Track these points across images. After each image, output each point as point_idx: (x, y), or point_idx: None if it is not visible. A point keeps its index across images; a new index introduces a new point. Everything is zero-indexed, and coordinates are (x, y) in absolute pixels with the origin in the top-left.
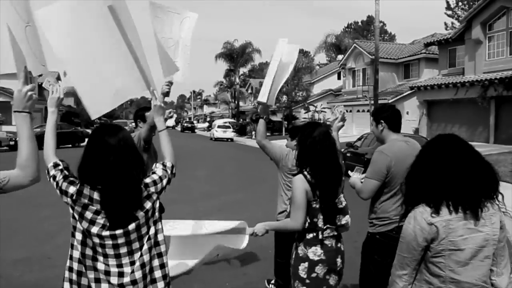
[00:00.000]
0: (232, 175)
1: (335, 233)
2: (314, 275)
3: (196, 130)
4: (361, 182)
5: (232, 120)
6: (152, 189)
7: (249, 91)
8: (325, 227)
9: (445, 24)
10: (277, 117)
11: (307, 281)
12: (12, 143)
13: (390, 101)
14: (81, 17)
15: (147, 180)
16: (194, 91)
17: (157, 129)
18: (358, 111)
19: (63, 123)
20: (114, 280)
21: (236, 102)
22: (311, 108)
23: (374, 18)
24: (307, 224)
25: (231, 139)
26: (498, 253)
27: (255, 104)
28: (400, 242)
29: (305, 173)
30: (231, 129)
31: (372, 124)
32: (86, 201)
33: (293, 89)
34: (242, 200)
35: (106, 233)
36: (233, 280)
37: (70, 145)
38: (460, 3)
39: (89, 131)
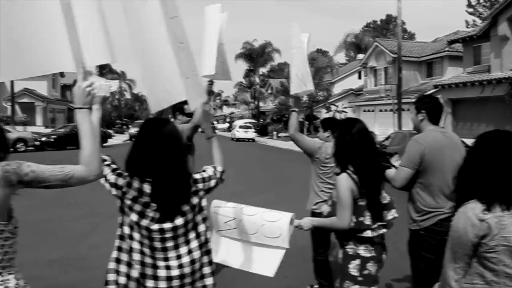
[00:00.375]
0: (258, 175)
1: (385, 230)
2: (366, 272)
3: (216, 131)
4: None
5: (253, 121)
6: (200, 185)
7: (269, 91)
8: (374, 225)
9: (466, 22)
10: (298, 117)
11: (360, 278)
12: (37, 143)
13: (413, 100)
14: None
15: (197, 176)
16: (213, 92)
17: (206, 136)
18: (381, 110)
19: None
20: (161, 273)
21: (256, 102)
22: (332, 108)
23: (397, 15)
24: (353, 223)
25: (253, 140)
26: None
27: (276, 104)
28: (451, 237)
29: (349, 171)
30: (253, 129)
31: (412, 112)
32: (135, 193)
33: (315, 89)
34: (272, 200)
35: (154, 226)
36: (274, 282)
37: None
38: (481, 0)
39: (111, 131)
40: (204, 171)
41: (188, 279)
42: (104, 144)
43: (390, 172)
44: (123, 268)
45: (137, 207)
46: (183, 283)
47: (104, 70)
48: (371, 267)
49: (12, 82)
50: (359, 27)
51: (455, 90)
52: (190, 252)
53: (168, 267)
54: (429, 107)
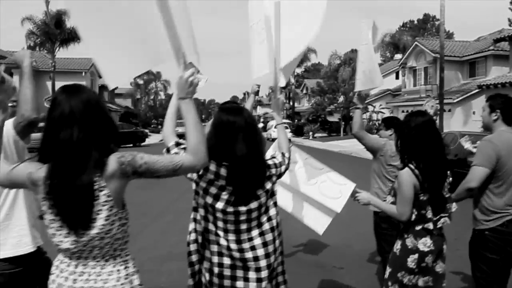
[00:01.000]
0: None
1: (449, 222)
2: (423, 264)
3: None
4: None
5: (288, 121)
6: (273, 171)
7: (304, 91)
8: (437, 217)
9: (509, 20)
10: (334, 118)
11: (416, 270)
12: None
13: (455, 101)
14: None
15: (269, 162)
16: (247, 93)
17: (276, 122)
18: None
19: (124, 123)
20: (236, 254)
21: (291, 102)
22: (370, 108)
23: (440, 13)
24: (414, 216)
25: (289, 140)
26: None
27: (312, 104)
28: None
29: (412, 166)
30: (289, 130)
31: (484, 110)
32: (212, 176)
33: (351, 89)
34: None
35: (230, 209)
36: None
37: (131, 145)
38: None
39: (147, 131)
40: (274, 157)
41: (263, 262)
42: (142, 144)
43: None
44: (194, 247)
45: (213, 190)
46: (259, 266)
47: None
48: (429, 260)
49: (53, 83)
50: (395, 27)
51: (501, 90)
52: (262, 234)
53: (241, 250)
54: (504, 107)
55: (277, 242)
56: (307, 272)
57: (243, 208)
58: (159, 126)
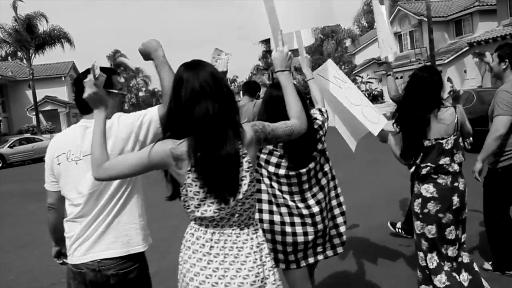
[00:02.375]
0: None
1: (454, 170)
2: (426, 210)
3: None
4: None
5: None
6: (321, 132)
7: None
8: (423, 165)
9: None
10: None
11: (420, 216)
12: None
13: (446, 61)
14: None
15: (315, 126)
16: (228, 79)
17: (307, 77)
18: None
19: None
20: (305, 211)
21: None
22: (358, 79)
23: None
24: (417, 163)
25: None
26: None
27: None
28: None
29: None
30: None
31: (494, 60)
32: (271, 147)
33: (338, 62)
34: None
35: (292, 173)
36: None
37: None
38: None
39: None
40: (316, 118)
41: (325, 213)
42: None
43: (493, 127)
44: (265, 216)
45: (274, 159)
46: (323, 217)
47: (119, 69)
48: (431, 206)
49: (34, 91)
50: None
51: (491, 45)
52: (322, 188)
53: (308, 206)
54: None
55: (332, 192)
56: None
57: (303, 170)
58: None
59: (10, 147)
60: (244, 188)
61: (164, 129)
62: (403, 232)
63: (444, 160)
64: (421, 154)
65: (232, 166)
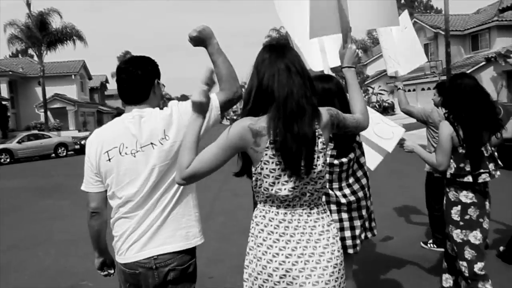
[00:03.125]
0: None
1: (488, 178)
2: (467, 217)
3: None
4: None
5: None
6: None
7: None
8: (476, 172)
9: None
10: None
11: (461, 223)
12: (77, 147)
13: None
14: None
15: None
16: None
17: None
18: (423, 89)
19: None
20: (343, 200)
21: None
22: (369, 90)
23: None
24: (454, 169)
25: None
26: None
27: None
28: None
29: (451, 119)
30: None
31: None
32: None
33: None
34: None
35: (336, 161)
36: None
37: None
38: None
39: None
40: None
41: (363, 202)
42: None
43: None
44: None
45: None
46: (359, 205)
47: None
48: (472, 212)
49: (43, 88)
50: None
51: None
52: (358, 180)
53: (344, 195)
54: None
55: (368, 185)
56: None
57: (345, 160)
58: None
59: (18, 142)
60: (318, 168)
61: (243, 107)
62: (435, 246)
63: (492, 167)
64: (470, 160)
65: (309, 144)
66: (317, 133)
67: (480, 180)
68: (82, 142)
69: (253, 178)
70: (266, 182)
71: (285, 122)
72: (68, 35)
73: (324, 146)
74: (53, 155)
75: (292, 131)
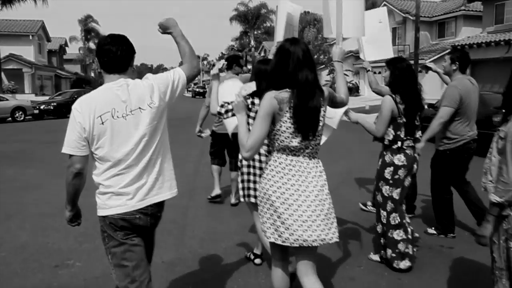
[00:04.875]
0: None
1: (413, 144)
2: (396, 176)
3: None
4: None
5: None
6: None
7: (262, 54)
8: (405, 138)
9: None
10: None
11: (391, 181)
12: (36, 111)
13: (428, 61)
14: None
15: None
16: (199, 56)
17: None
18: None
19: (80, 89)
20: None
21: (249, 66)
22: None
23: None
24: (392, 136)
25: None
26: None
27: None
28: (510, 142)
29: (393, 95)
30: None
31: (446, 61)
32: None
33: (317, 51)
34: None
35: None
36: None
37: None
38: None
39: None
40: None
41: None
42: None
43: (438, 115)
44: None
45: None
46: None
47: (90, 35)
48: (401, 172)
49: None
50: None
51: (475, 50)
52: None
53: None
54: (461, 59)
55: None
56: None
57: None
58: None
59: None
60: (319, 128)
61: (268, 84)
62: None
63: (419, 134)
64: (406, 129)
65: (316, 113)
66: (322, 106)
67: (410, 144)
68: (42, 107)
69: (272, 133)
70: (283, 136)
71: (302, 98)
72: None
73: (324, 113)
74: (10, 119)
75: (306, 105)
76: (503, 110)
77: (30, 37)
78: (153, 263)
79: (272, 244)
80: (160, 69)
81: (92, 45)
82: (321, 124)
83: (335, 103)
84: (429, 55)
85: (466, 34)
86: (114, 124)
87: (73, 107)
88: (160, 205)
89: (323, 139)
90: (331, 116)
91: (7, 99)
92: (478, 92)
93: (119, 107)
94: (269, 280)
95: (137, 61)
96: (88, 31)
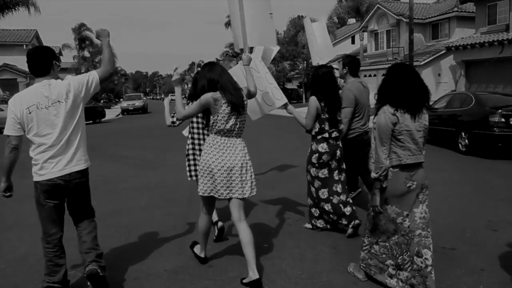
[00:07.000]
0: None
1: (337, 135)
2: (321, 161)
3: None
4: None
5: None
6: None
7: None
8: (331, 130)
9: None
10: (293, 85)
11: (316, 164)
12: None
13: (423, 63)
14: None
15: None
16: (193, 63)
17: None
18: (384, 74)
19: None
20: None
21: None
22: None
23: None
24: (317, 129)
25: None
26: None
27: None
28: (378, 129)
29: (317, 96)
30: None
31: (339, 66)
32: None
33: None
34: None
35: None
36: None
37: (92, 121)
38: None
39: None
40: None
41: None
42: (103, 119)
43: (343, 114)
44: None
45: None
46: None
47: (84, 44)
48: (324, 157)
49: None
50: None
51: (469, 51)
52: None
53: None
54: (349, 64)
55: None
56: None
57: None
58: (112, 101)
59: None
60: (244, 111)
61: (208, 87)
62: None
63: (341, 126)
64: (329, 122)
65: (242, 102)
66: (243, 97)
67: (333, 135)
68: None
69: (211, 122)
70: (219, 122)
71: (230, 93)
72: (20, 1)
73: (247, 100)
74: None
75: (235, 96)
76: (376, 105)
77: (24, 46)
78: (155, 271)
79: (205, 199)
80: (155, 76)
81: (86, 53)
82: (245, 108)
83: (250, 94)
84: (424, 57)
85: (460, 35)
86: (38, 113)
87: (9, 101)
88: (79, 173)
89: (257, 116)
90: (270, 104)
91: (1, 110)
92: (369, 93)
93: (42, 101)
94: None
95: (132, 69)
96: (82, 40)
